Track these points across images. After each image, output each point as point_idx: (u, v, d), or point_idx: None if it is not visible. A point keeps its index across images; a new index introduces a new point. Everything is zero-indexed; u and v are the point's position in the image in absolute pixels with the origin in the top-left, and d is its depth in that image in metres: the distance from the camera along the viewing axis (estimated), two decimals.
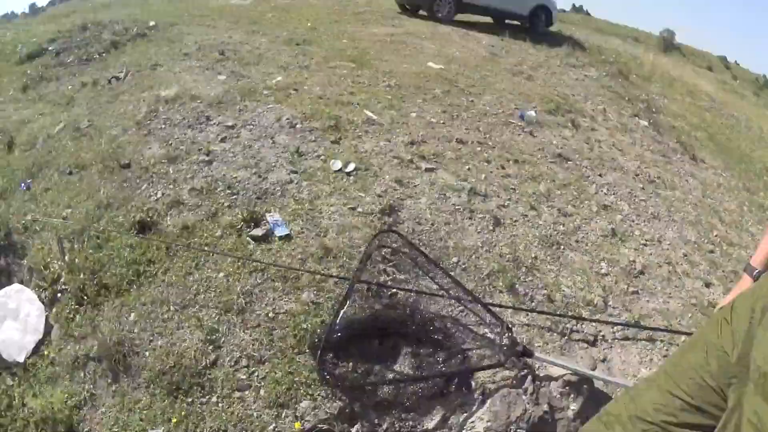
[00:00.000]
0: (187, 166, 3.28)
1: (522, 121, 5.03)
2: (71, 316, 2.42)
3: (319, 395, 2.08)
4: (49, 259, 2.68)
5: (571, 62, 8.67)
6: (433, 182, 3.53)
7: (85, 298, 2.45)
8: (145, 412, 2.05)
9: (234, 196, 3.02)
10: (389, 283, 2.43)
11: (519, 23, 11.03)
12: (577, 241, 3.40)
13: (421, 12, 10.45)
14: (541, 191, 3.82)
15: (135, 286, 2.47)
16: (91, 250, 2.66)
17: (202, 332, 2.25)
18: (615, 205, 4.01)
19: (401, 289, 2.40)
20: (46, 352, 2.36)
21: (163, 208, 2.85)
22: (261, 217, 2.80)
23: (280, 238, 2.68)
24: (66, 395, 2.16)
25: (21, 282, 2.76)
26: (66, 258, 2.61)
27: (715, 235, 4.25)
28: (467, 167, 3.87)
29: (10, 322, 2.50)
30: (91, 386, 2.19)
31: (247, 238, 2.68)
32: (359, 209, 3.02)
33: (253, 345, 2.23)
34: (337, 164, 3.45)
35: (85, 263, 2.58)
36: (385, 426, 2.06)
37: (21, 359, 2.39)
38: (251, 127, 3.83)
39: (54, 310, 2.50)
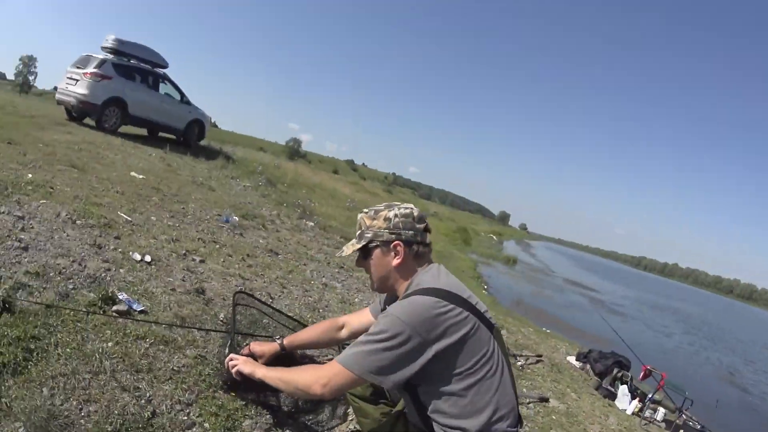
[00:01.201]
0: (7, 252, 3.44)
1: (227, 224, 6.43)
2: None
3: (254, 413, 2.73)
4: None
5: (230, 174, 10.57)
6: (211, 270, 4.59)
7: None
8: None
9: (69, 281, 3.44)
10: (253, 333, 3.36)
11: (174, 137, 12.34)
12: (325, 307, 4.91)
13: (87, 120, 10.74)
14: (279, 275, 5.25)
15: (31, 364, 2.52)
16: None
17: (129, 392, 2.57)
18: (331, 284, 5.71)
19: (265, 336, 3.35)
20: None
21: (11, 290, 3.05)
22: (115, 297, 3.36)
23: (139, 312, 3.33)
24: None
25: None
26: None
27: None
28: (222, 260, 5.03)
29: None
30: None
31: (113, 313, 3.21)
32: (178, 290, 3.85)
33: (176, 393, 2.69)
34: (137, 256, 4.16)
35: None
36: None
37: None
38: (39, 219, 4.09)
39: None
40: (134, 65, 11.58)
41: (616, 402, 5.35)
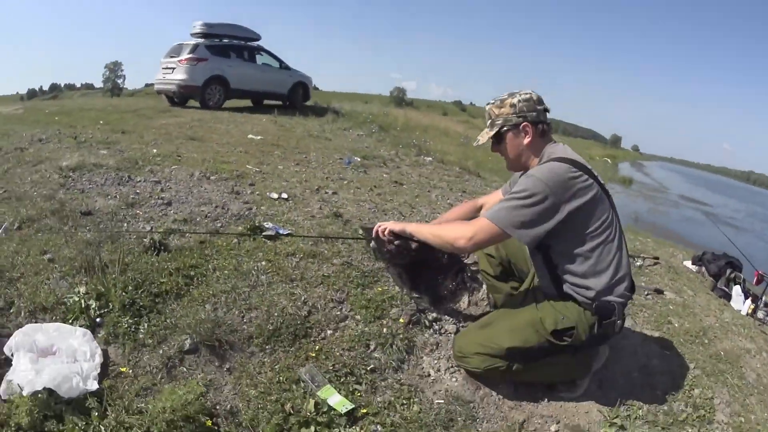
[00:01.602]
0: (152, 209, 3.51)
1: (349, 165, 6.32)
2: (131, 329, 2.39)
3: (399, 302, 2.79)
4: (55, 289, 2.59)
5: (342, 126, 10.58)
6: (344, 198, 4.50)
7: (141, 310, 2.48)
8: (276, 366, 2.33)
9: (216, 221, 3.46)
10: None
11: (281, 102, 12.57)
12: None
13: (190, 104, 11.22)
14: (407, 200, 5.06)
15: (192, 287, 2.67)
16: (115, 274, 2.65)
17: (286, 297, 2.68)
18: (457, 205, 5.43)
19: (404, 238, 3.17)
20: (122, 369, 2.24)
21: (161, 236, 3.10)
22: (262, 226, 3.34)
23: (286, 235, 3.30)
24: (183, 390, 2.07)
25: (19, 327, 2.34)
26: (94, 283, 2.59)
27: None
28: (352, 191, 4.92)
29: (49, 359, 2.24)
30: (201, 374, 2.27)
31: (263, 239, 3.20)
32: (317, 216, 3.80)
33: (328, 293, 2.79)
34: (274, 195, 4.15)
35: (124, 281, 2.61)
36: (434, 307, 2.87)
37: (93, 387, 2.15)
38: (174, 181, 4.20)
39: (102, 333, 2.39)
40: (227, 43, 11.79)
41: (731, 303, 5.10)
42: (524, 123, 2.20)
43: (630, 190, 28.36)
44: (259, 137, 7.17)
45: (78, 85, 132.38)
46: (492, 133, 2.25)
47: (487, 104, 2.30)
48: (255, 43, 12.48)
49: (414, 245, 2.57)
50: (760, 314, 4.93)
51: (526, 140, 2.21)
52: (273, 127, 8.66)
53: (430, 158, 8.93)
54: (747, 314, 4.83)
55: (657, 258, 5.49)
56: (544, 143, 2.24)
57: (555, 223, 2.03)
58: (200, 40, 11.25)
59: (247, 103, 12.58)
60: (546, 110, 2.25)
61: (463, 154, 11.89)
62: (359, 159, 6.74)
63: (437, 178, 7.01)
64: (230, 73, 11.21)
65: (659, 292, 4.27)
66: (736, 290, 5.20)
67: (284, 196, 4.18)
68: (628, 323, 3.26)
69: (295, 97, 12.84)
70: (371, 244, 2.99)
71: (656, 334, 3.38)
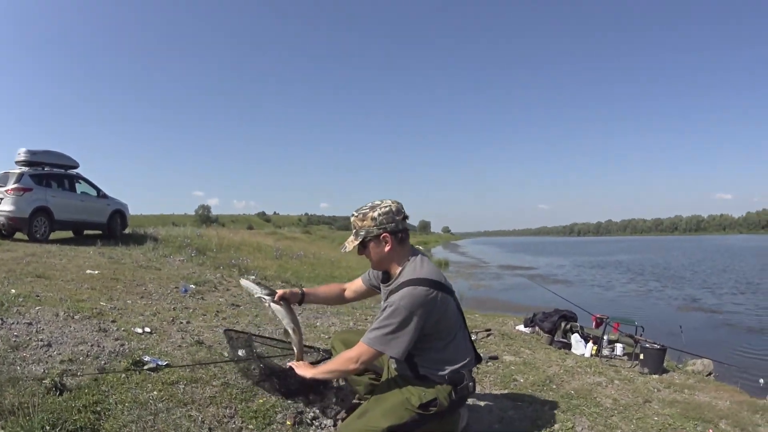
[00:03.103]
0: (36, 351, 4.05)
1: (186, 294, 7.30)
2: None
3: (280, 408, 3.52)
4: None
5: (163, 253, 11.33)
6: (198, 326, 5.49)
7: None
8: None
9: (98, 359, 4.23)
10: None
11: (100, 231, 12.76)
12: None
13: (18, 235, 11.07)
14: (249, 320, 6.08)
15: (103, 421, 3.26)
16: (29, 416, 3.06)
17: (187, 419, 3.41)
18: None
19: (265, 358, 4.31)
20: None
21: (57, 376, 3.60)
22: (142, 360, 4.19)
23: (165, 366, 4.16)
24: None
25: None
26: None
27: None
28: (201, 318, 5.91)
29: None
30: None
31: (146, 371, 4.03)
32: (183, 345, 4.72)
33: (219, 411, 3.55)
34: (138, 329, 4.99)
35: (40, 422, 3.02)
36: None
37: None
38: (44, 321, 4.78)
39: None
40: (49, 172, 12.01)
41: (573, 350, 5.75)
42: (384, 233, 2.54)
43: (448, 272, 29.47)
44: (96, 272, 7.71)
45: None
46: (356, 242, 2.59)
47: (352, 215, 2.62)
48: (74, 171, 12.73)
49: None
50: (605, 352, 5.54)
51: (387, 248, 2.56)
52: (103, 260, 9.12)
53: (253, 276, 10.08)
54: (591, 355, 5.44)
55: (489, 329, 6.09)
56: (404, 248, 2.60)
57: (418, 334, 2.44)
58: (25, 169, 11.37)
59: (68, 233, 12.60)
60: (405, 218, 2.59)
61: (280, 266, 13.20)
62: (194, 286, 7.71)
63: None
64: (54, 203, 11.37)
65: (494, 358, 4.82)
66: (575, 338, 5.75)
67: (147, 330, 5.03)
68: (477, 390, 3.75)
69: (114, 226, 13.08)
70: (240, 362, 3.80)
71: (506, 391, 3.93)
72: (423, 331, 2.47)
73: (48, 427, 3.05)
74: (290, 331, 3.38)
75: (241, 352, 3.94)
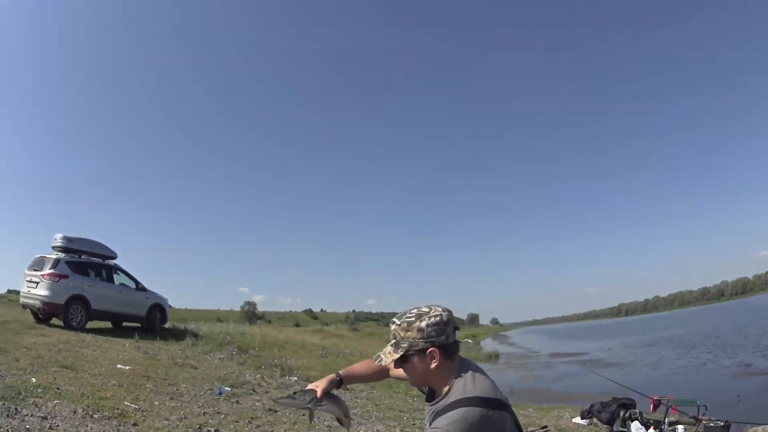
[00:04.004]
0: None
1: (220, 396, 6.77)
2: None
3: None
4: None
5: (203, 350, 10.94)
6: None
7: None
8: None
9: None
10: None
11: (139, 324, 12.59)
12: None
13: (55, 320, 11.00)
14: (286, 428, 5.61)
15: None
16: None
17: None
18: (335, 424, 6.00)
19: None
20: None
21: None
22: None
23: None
24: None
25: None
26: None
27: None
28: (232, 426, 5.40)
29: None
30: None
31: None
32: None
33: None
34: None
35: None
36: None
37: None
38: (60, 417, 4.43)
39: None
40: (86, 260, 12.07)
41: None
42: (431, 349, 2.21)
43: (498, 364, 29.10)
44: (128, 367, 7.37)
45: None
46: (397, 356, 2.28)
47: (393, 323, 2.30)
48: (112, 262, 12.79)
49: None
50: None
51: (433, 365, 2.23)
52: (138, 354, 8.82)
53: (295, 377, 9.54)
54: None
55: (545, 427, 5.92)
56: (452, 364, 2.29)
57: None
58: (61, 255, 11.42)
59: (107, 324, 12.46)
60: (456, 329, 2.35)
61: (325, 366, 12.50)
62: (229, 389, 7.20)
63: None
64: (90, 293, 11.28)
65: None
66: (635, 426, 5.66)
67: None
68: None
69: (153, 319, 12.91)
70: None
71: None
72: None
73: None
74: (344, 419, 2.89)
75: None
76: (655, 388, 6.91)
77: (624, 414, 5.98)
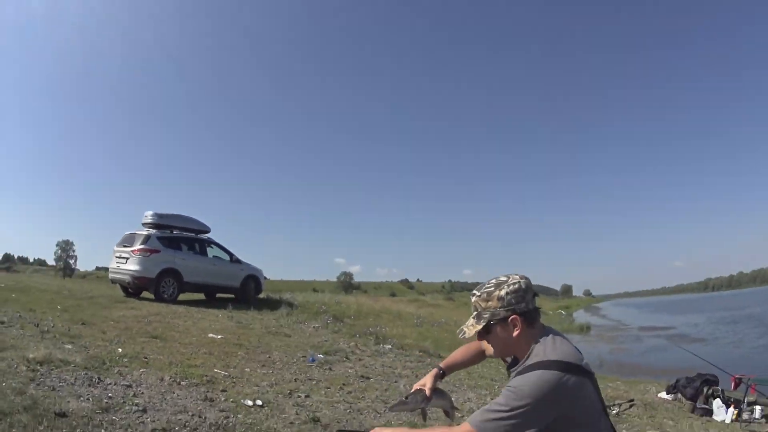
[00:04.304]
0: (128, 416, 3.52)
1: (313, 363, 6.51)
2: None
3: None
4: None
5: (297, 319, 10.86)
6: (318, 401, 4.65)
7: None
8: None
9: (196, 431, 3.54)
10: None
11: (233, 295, 12.77)
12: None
13: (145, 294, 11.33)
14: (377, 395, 5.25)
15: None
16: None
17: None
18: None
19: None
20: None
21: None
22: None
23: None
24: None
25: None
26: None
27: None
28: (323, 392, 5.09)
29: None
30: None
31: None
32: (296, 422, 3.94)
33: None
34: (248, 402, 4.26)
35: None
36: None
37: None
38: (145, 385, 4.27)
39: None
40: (178, 235, 12.31)
41: (714, 417, 5.64)
42: (513, 316, 2.23)
43: (589, 336, 29.18)
44: (219, 336, 7.31)
45: (31, 260, 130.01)
46: (479, 327, 2.28)
47: (473, 295, 2.31)
48: (205, 236, 13.00)
49: None
50: (744, 416, 5.38)
51: (515, 332, 2.24)
52: (231, 324, 8.81)
53: (389, 345, 9.24)
54: (732, 421, 5.30)
55: (632, 400, 5.81)
56: (533, 330, 2.28)
57: (541, 427, 2.09)
58: (152, 231, 11.70)
59: (200, 296, 12.72)
60: (535, 295, 2.33)
61: (420, 335, 12.23)
62: (322, 356, 6.94)
63: (400, 366, 7.26)
64: (183, 266, 11.52)
65: None
66: (716, 404, 5.65)
67: (259, 402, 4.30)
68: None
69: (248, 290, 13.07)
70: None
71: None
72: (553, 422, 2.05)
73: None
74: (450, 411, 2.84)
75: None
76: (737, 367, 6.78)
77: (707, 391, 6.04)
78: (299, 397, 4.75)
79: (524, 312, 2.21)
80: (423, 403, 2.78)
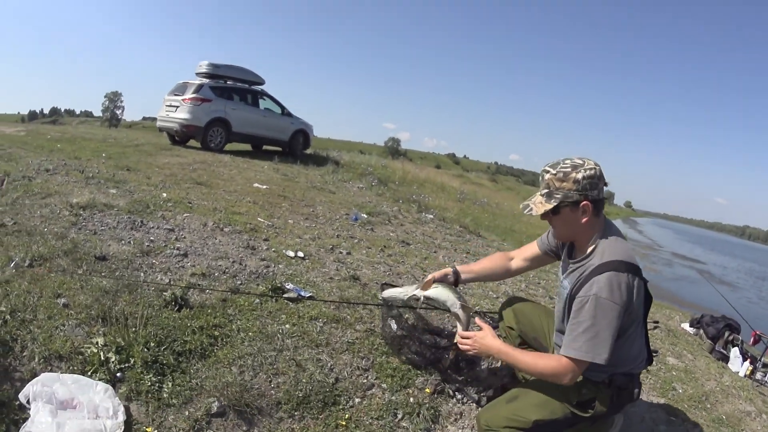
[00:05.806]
0: (168, 259, 3.64)
1: (356, 222, 6.52)
2: (154, 388, 2.46)
3: (424, 371, 2.94)
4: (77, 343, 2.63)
5: (342, 178, 10.92)
6: (359, 260, 4.68)
7: (165, 368, 2.57)
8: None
9: (235, 278, 3.59)
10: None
11: (280, 148, 12.88)
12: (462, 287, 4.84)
13: (191, 143, 11.52)
14: (417, 262, 5.25)
15: (217, 348, 2.78)
16: (135, 328, 2.74)
17: (313, 363, 2.81)
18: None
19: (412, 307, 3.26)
20: (147, 429, 2.31)
21: (184, 290, 3.23)
22: (283, 287, 3.49)
23: (308, 298, 3.44)
24: None
25: (33, 373, 2.46)
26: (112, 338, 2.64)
27: None
28: (364, 251, 5.10)
29: (69, 413, 2.29)
30: None
31: (285, 301, 3.34)
32: (336, 277, 3.98)
33: (354, 361, 2.93)
34: (290, 252, 4.32)
35: (145, 336, 2.69)
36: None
37: None
38: (188, 230, 4.38)
39: (123, 389, 2.45)
40: (231, 86, 12.27)
41: (729, 365, 5.58)
42: (585, 202, 2.21)
43: None
44: (264, 186, 7.39)
45: (77, 112, 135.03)
46: (550, 206, 2.24)
47: (547, 172, 2.28)
48: (259, 87, 12.93)
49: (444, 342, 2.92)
50: (758, 375, 5.32)
51: (584, 219, 2.24)
52: (276, 176, 8.91)
53: (431, 215, 9.32)
54: (745, 376, 5.22)
55: (657, 322, 5.95)
56: (598, 220, 2.29)
57: (619, 327, 2.16)
58: (205, 81, 11.68)
59: (247, 147, 12.85)
60: (605, 185, 2.28)
61: (461, 210, 12.31)
62: (365, 216, 6.98)
63: (440, 238, 7.30)
64: (233, 116, 11.61)
65: (655, 352, 4.58)
66: (734, 352, 5.62)
67: (300, 254, 4.36)
68: None
69: (296, 144, 13.16)
70: (389, 329, 3.12)
71: (662, 401, 3.65)
72: (624, 322, 2.19)
73: (152, 344, 2.68)
74: (459, 312, 2.74)
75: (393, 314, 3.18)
76: (757, 322, 6.65)
77: (728, 336, 5.95)
78: (341, 253, 4.79)
79: (595, 200, 2.23)
80: (417, 289, 2.81)
